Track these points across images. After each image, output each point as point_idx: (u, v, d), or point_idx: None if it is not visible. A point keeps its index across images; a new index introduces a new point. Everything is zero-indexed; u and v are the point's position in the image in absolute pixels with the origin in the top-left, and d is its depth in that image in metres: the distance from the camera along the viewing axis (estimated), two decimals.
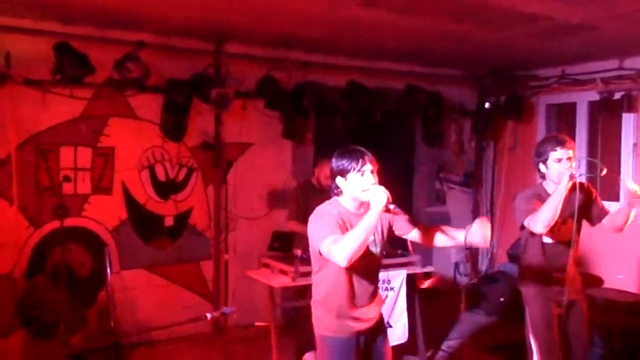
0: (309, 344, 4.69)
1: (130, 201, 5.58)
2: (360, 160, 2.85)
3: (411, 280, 5.06)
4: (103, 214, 5.44)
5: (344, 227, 2.84)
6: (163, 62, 5.48)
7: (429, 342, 5.31)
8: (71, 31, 5.01)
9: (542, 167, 3.65)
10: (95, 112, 5.34)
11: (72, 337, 4.88)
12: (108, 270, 5.28)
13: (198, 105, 5.62)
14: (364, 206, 2.94)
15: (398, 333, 4.95)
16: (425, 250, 5.40)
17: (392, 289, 4.92)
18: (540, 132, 7.29)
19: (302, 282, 4.47)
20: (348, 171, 2.85)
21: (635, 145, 6.28)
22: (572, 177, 3.41)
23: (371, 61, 6.60)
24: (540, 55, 6.31)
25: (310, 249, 3.00)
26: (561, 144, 3.54)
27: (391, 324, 4.92)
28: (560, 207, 3.39)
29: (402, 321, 4.98)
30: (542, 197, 3.60)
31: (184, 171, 5.85)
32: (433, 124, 7.06)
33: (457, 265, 7.64)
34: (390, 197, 2.75)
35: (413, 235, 3.15)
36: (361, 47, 6.02)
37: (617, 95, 6.15)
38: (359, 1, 4.26)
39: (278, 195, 6.23)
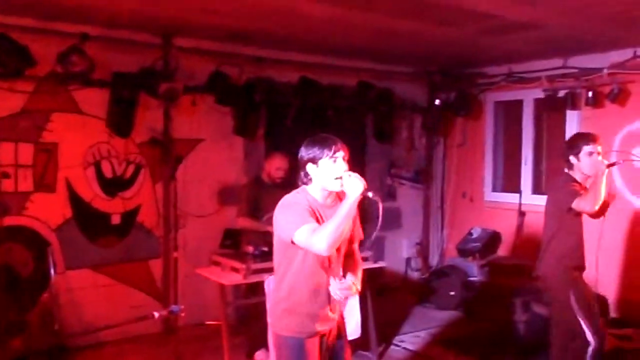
0: (261, 342, 4.66)
1: (74, 199, 5.40)
2: (333, 147, 2.82)
3: (363, 276, 5.06)
4: (46, 213, 5.24)
5: (315, 217, 2.80)
6: (109, 56, 5.32)
7: (381, 337, 5.35)
8: (11, 22, 4.79)
9: (573, 158, 4.00)
10: (37, 106, 5.14)
11: (13, 340, 4.70)
12: (52, 270, 5.10)
13: (146, 100, 5.49)
14: (332, 196, 2.92)
15: (351, 329, 4.94)
16: (378, 246, 5.44)
17: None
18: (489, 129, 7.45)
19: (253, 279, 4.42)
20: (320, 158, 2.81)
21: None
22: (610, 165, 3.88)
23: (324, 57, 6.59)
24: (488, 53, 6.43)
25: (276, 241, 2.93)
26: (593, 140, 3.98)
27: (344, 319, 4.91)
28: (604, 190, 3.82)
29: (354, 317, 4.98)
30: (575, 181, 3.98)
31: (131, 168, 5.70)
32: (384, 121, 7.12)
33: (408, 260, 7.72)
34: (366, 184, 2.72)
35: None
36: (314, 43, 5.99)
37: (561, 93, 6.33)
38: None
39: (229, 192, 6.14)
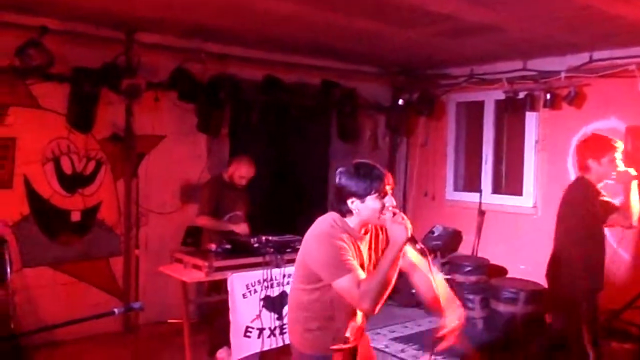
0: (223, 340, 4.65)
1: (33, 195, 5.29)
2: (383, 181, 2.60)
3: None
4: (2, 209, 5.11)
5: (353, 255, 2.61)
6: (70, 50, 5.22)
7: None
8: None
9: (592, 162, 3.85)
10: None
11: None
12: (8, 268, 4.98)
13: (108, 95, 5.41)
14: (369, 229, 2.76)
15: None
16: None
17: None
18: (451, 129, 7.56)
19: (216, 276, 4.41)
20: (367, 194, 2.58)
21: (537, 142, 6.63)
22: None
23: (288, 55, 6.59)
24: (450, 54, 6.53)
25: (305, 269, 2.68)
26: (617, 149, 3.85)
27: None
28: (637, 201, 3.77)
29: None
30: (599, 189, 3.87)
31: (92, 164, 5.61)
32: (348, 120, 7.15)
33: None
34: (412, 230, 2.53)
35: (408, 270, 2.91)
36: (278, 40, 5.99)
37: (521, 95, 6.47)
38: None
39: (192, 189, 6.10)
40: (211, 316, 5.13)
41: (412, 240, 2.57)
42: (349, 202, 2.61)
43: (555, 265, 4.12)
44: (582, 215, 3.88)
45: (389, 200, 2.61)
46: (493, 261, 6.49)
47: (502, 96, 6.66)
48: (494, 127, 7.13)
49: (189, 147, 6.15)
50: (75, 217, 5.54)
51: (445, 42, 5.74)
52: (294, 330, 2.85)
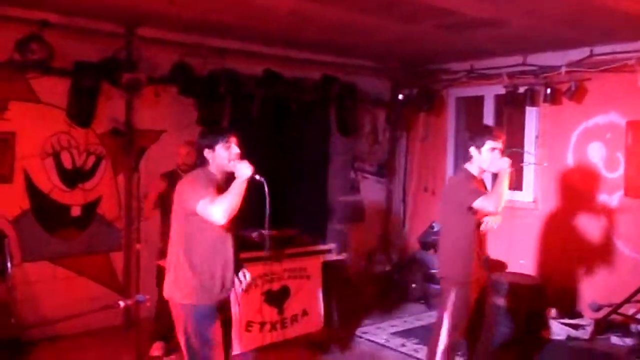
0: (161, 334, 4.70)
1: (32, 190, 5.28)
2: (226, 135, 3.31)
3: (327, 268, 5.11)
4: (2, 204, 5.11)
5: (217, 190, 3.18)
6: (70, 44, 5.21)
7: (344, 329, 5.41)
8: None
9: (474, 151, 3.95)
10: None
11: None
12: (8, 263, 4.98)
13: (108, 90, 5.41)
14: (227, 175, 3.31)
15: (314, 320, 5.00)
16: (341, 238, 5.49)
17: (308, 277, 4.96)
18: (450, 124, 7.56)
19: None
20: (216, 143, 3.27)
21: (537, 137, 6.63)
22: (512, 165, 3.85)
23: (288, 50, 6.58)
24: (451, 49, 6.53)
25: (178, 210, 3.27)
26: (497, 137, 3.93)
27: (307, 311, 4.96)
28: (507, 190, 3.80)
29: (318, 308, 5.03)
30: (474, 178, 3.94)
31: (92, 159, 5.60)
32: (348, 115, 7.14)
33: (371, 253, 7.79)
34: (253, 169, 3.17)
35: None
36: (278, 35, 5.98)
37: (521, 90, 6.46)
38: None
39: None
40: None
41: (253, 175, 3.17)
42: (204, 152, 3.31)
43: (439, 253, 4.18)
44: (453, 201, 3.95)
45: (234, 149, 3.28)
46: (493, 256, 6.47)
47: (502, 91, 6.66)
48: (494, 122, 7.11)
49: None
50: (76, 211, 5.54)
51: (446, 36, 5.73)
52: (174, 286, 3.28)
